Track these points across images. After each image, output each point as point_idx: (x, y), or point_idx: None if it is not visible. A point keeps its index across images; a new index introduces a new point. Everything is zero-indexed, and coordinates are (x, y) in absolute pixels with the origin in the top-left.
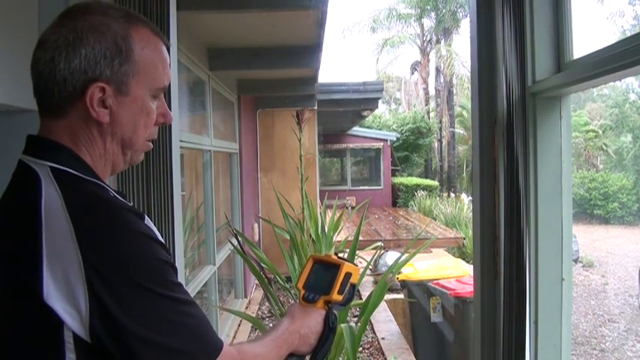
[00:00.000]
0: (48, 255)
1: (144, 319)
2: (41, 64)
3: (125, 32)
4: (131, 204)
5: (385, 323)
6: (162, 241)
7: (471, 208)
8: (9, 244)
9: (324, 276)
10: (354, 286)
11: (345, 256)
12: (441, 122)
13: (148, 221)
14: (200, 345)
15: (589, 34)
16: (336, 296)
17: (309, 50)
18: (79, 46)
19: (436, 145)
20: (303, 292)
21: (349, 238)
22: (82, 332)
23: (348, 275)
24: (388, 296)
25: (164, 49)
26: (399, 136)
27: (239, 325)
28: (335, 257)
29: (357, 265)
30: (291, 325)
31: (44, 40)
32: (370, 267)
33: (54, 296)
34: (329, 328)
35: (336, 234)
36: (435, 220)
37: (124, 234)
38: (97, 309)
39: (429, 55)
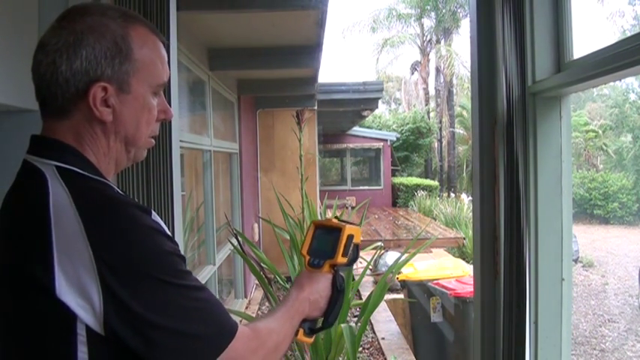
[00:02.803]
0: (58, 252)
1: (158, 308)
2: (43, 67)
3: (124, 32)
4: (137, 200)
5: (385, 323)
6: (170, 233)
7: (471, 208)
8: (19, 242)
9: (326, 240)
10: (357, 246)
11: None
12: (441, 122)
13: (154, 216)
14: (215, 328)
15: (589, 34)
16: (340, 259)
17: (309, 50)
18: (80, 48)
19: (436, 145)
20: (308, 257)
21: None
22: (96, 325)
23: (351, 237)
24: (388, 296)
25: (162, 46)
26: (399, 136)
27: None
28: (335, 221)
29: (358, 225)
30: (300, 293)
31: (44, 43)
32: (370, 267)
33: (66, 291)
34: (337, 291)
35: None
36: (435, 220)
37: (133, 229)
38: (111, 302)
39: (429, 55)
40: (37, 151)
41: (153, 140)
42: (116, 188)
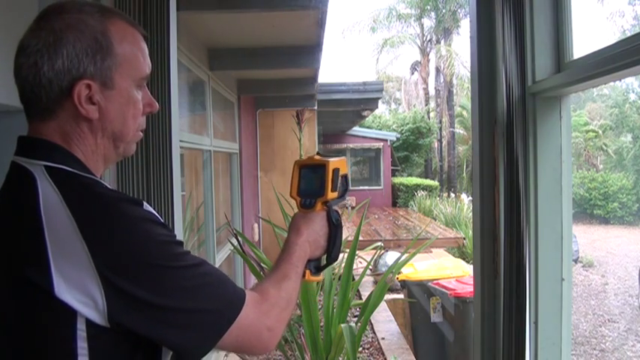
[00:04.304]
0: (54, 252)
1: (162, 292)
2: (24, 70)
3: (103, 27)
4: (128, 194)
5: (385, 323)
6: (163, 221)
7: (471, 208)
8: (12, 245)
9: (313, 178)
10: (345, 177)
11: (345, 256)
12: (440, 122)
13: (146, 206)
14: (222, 300)
15: (589, 34)
16: (331, 195)
17: (309, 50)
18: (60, 47)
19: (436, 145)
20: (299, 199)
21: (349, 238)
22: (99, 319)
23: (336, 171)
24: (388, 296)
25: (142, 39)
26: (399, 136)
27: None
28: (318, 157)
29: (341, 157)
30: (299, 238)
31: (25, 45)
32: (370, 267)
33: (65, 291)
34: (334, 226)
35: None
36: (435, 220)
37: (126, 222)
38: (114, 295)
39: (429, 55)
40: (25, 152)
41: (141, 134)
42: (106, 184)
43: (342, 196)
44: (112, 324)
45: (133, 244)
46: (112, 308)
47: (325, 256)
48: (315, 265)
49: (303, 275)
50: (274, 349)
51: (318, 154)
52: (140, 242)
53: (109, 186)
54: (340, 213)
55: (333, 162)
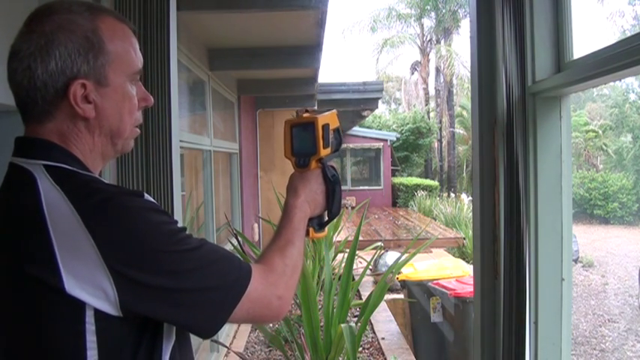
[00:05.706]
0: (60, 248)
1: (170, 275)
2: (19, 75)
3: (93, 25)
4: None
5: (385, 323)
6: (164, 209)
7: (471, 208)
8: (15, 244)
9: (305, 137)
10: (337, 130)
11: (345, 256)
12: (440, 122)
13: (147, 197)
14: (229, 276)
15: (589, 34)
16: (324, 151)
17: (309, 50)
18: (52, 48)
19: (436, 145)
20: (293, 159)
21: (349, 238)
22: (110, 309)
23: (326, 126)
24: (388, 296)
25: (132, 33)
26: (399, 136)
27: (239, 325)
28: (307, 115)
29: (332, 110)
30: (297, 199)
31: (17, 50)
32: (370, 267)
33: (76, 286)
34: (331, 182)
35: (336, 234)
36: (435, 220)
37: (130, 214)
38: (125, 285)
39: (429, 55)
40: (24, 153)
41: (138, 130)
42: (105, 181)
43: (336, 151)
44: (125, 312)
45: (138, 233)
46: (123, 297)
47: (326, 212)
48: (318, 222)
49: (308, 234)
50: (286, 314)
51: (307, 111)
52: (144, 230)
53: (108, 182)
54: (334, 167)
55: (322, 117)
